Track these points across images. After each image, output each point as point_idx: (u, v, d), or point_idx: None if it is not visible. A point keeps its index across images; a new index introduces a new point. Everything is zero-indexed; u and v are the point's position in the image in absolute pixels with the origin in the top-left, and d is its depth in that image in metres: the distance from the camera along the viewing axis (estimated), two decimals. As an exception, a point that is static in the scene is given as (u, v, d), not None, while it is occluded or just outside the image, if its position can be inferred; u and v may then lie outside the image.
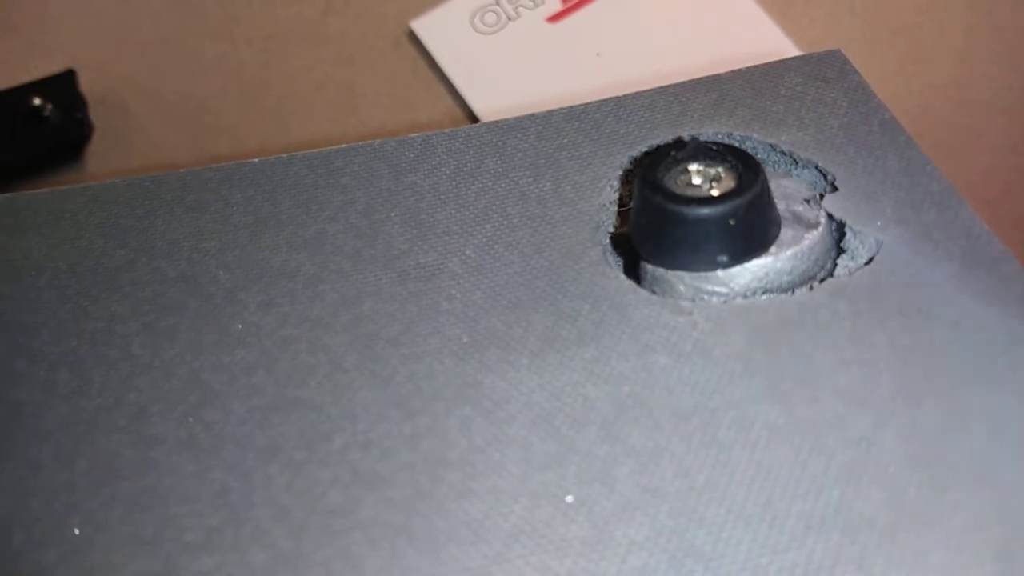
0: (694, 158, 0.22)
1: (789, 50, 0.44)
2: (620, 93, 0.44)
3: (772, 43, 0.45)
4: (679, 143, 0.22)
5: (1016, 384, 0.18)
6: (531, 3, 0.46)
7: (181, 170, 0.25)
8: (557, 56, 0.45)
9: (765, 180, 0.21)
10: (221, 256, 0.23)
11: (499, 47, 0.45)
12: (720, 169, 0.21)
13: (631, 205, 0.23)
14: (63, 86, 0.44)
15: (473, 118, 0.43)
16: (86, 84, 0.44)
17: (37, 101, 0.43)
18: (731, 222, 0.20)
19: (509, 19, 0.46)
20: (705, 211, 0.20)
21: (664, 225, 0.21)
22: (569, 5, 0.46)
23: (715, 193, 0.21)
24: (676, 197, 0.21)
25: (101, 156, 0.45)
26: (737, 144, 0.24)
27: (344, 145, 0.25)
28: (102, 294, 0.22)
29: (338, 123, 0.46)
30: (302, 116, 0.46)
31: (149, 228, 0.24)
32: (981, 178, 0.42)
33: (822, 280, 0.21)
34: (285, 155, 0.25)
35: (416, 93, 0.46)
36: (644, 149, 0.24)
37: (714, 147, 0.22)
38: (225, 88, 0.47)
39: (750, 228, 0.21)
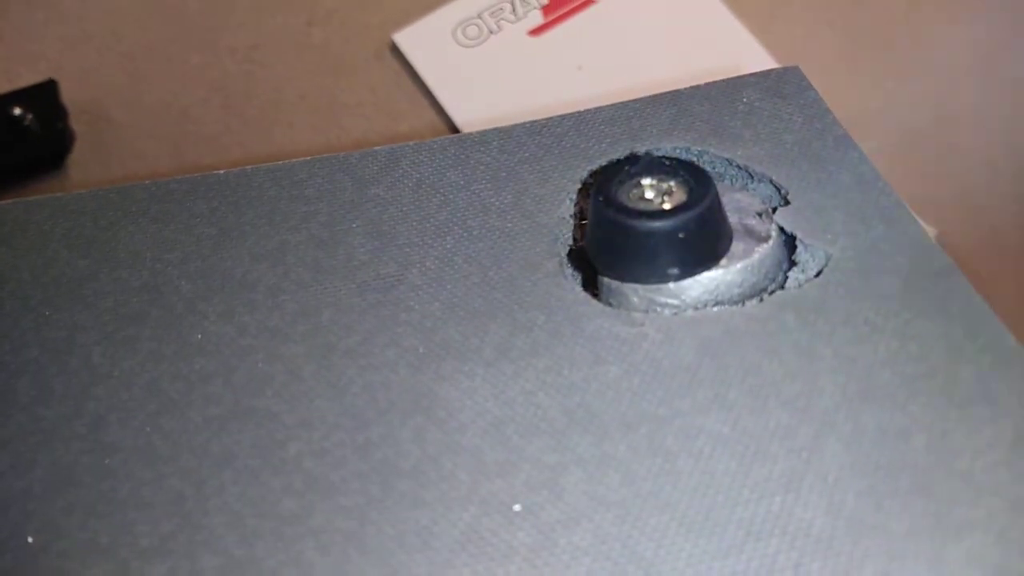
0: (647, 172, 0.22)
1: (769, 64, 0.45)
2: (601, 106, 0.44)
3: (752, 58, 0.45)
4: (633, 158, 0.22)
5: (954, 396, 0.19)
6: (513, 17, 0.47)
7: (147, 181, 0.25)
8: (539, 69, 0.46)
9: (716, 194, 0.21)
10: (183, 267, 0.23)
11: (481, 60, 0.46)
12: (672, 183, 0.22)
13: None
14: (44, 96, 0.44)
15: (455, 130, 0.44)
16: (69, 93, 0.45)
17: (18, 111, 0.43)
18: (681, 235, 0.21)
19: (491, 32, 0.46)
20: (655, 224, 0.21)
21: (616, 238, 0.21)
22: (551, 19, 0.47)
23: (666, 207, 0.21)
24: (627, 210, 0.21)
25: (83, 165, 0.45)
26: (694, 158, 0.24)
27: (308, 158, 0.26)
28: (64, 304, 0.23)
29: (320, 133, 0.46)
30: (285, 126, 0.46)
31: (113, 239, 0.24)
32: (958, 192, 0.42)
33: (772, 292, 0.22)
34: (250, 167, 0.26)
35: (398, 104, 0.46)
36: (603, 163, 0.24)
37: (667, 162, 0.22)
38: (208, 97, 0.47)
39: (700, 241, 0.21)
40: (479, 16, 0.47)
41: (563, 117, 0.26)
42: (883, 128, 0.45)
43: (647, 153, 0.23)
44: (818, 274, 0.22)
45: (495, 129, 0.26)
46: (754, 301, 0.22)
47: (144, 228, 0.24)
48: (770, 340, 0.20)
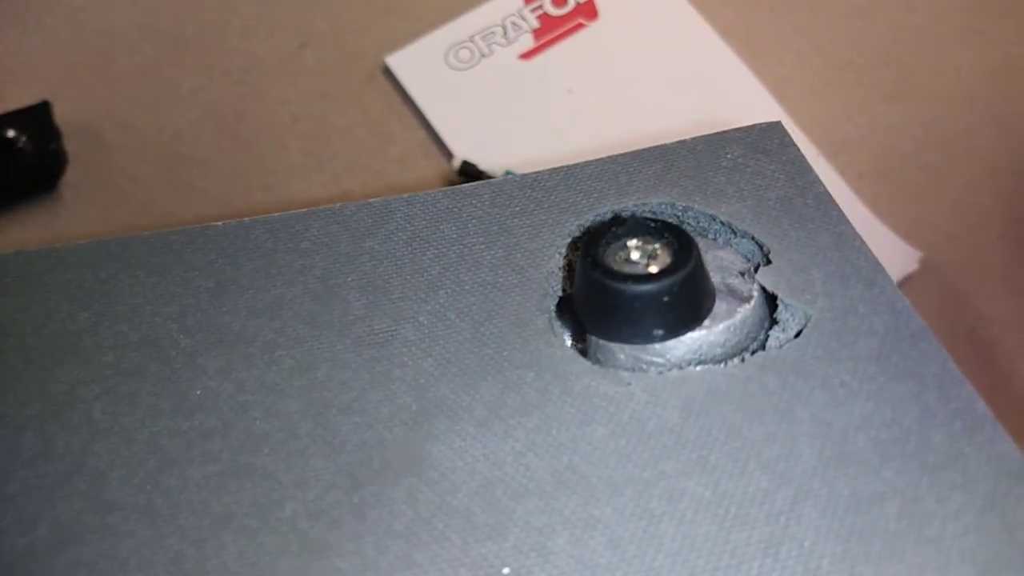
0: (633, 234, 0.23)
1: (756, 88, 0.46)
2: (591, 130, 0.45)
3: (740, 82, 0.46)
4: (619, 219, 0.23)
5: (926, 461, 0.20)
6: (504, 40, 0.47)
7: (145, 233, 0.26)
8: (529, 92, 0.47)
9: (699, 257, 0.22)
10: (182, 320, 0.24)
11: (473, 83, 0.46)
12: (657, 245, 0.22)
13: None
14: (38, 118, 0.44)
15: (447, 153, 0.45)
16: (62, 114, 0.45)
17: (11, 133, 0.43)
18: (665, 299, 0.22)
19: (483, 56, 0.47)
20: (640, 288, 0.21)
21: (603, 300, 0.22)
22: (541, 43, 0.47)
23: (652, 270, 0.22)
24: (614, 274, 0.22)
25: (76, 187, 0.45)
26: (679, 214, 0.25)
27: (304, 209, 0.26)
28: (66, 358, 0.23)
29: (312, 155, 0.47)
30: (277, 148, 0.47)
31: (112, 291, 0.25)
32: (944, 215, 0.43)
33: (754, 351, 0.22)
34: (247, 219, 0.26)
35: (390, 127, 0.47)
36: (592, 217, 0.25)
37: (652, 223, 0.23)
38: (201, 120, 0.47)
39: (683, 304, 0.22)
40: (471, 40, 0.48)
41: (553, 171, 0.26)
42: (869, 151, 0.45)
43: (632, 215, 0.24)
44: (798, 334, 0.22)
45: (486, 182, 0.27)
46: (736, 360, 0.22)
47: (143, 281, 0.25)
48: (751, 402, 0.21)
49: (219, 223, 0.26)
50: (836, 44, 0.49)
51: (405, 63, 0.47)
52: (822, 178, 0.41)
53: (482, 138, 0.45)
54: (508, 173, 0.42)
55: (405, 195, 0.26)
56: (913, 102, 0.47)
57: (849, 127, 0.47)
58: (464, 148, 0.45)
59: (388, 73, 0.48)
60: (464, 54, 0.48)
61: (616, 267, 0.22)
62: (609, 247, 0.23)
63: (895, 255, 0.42)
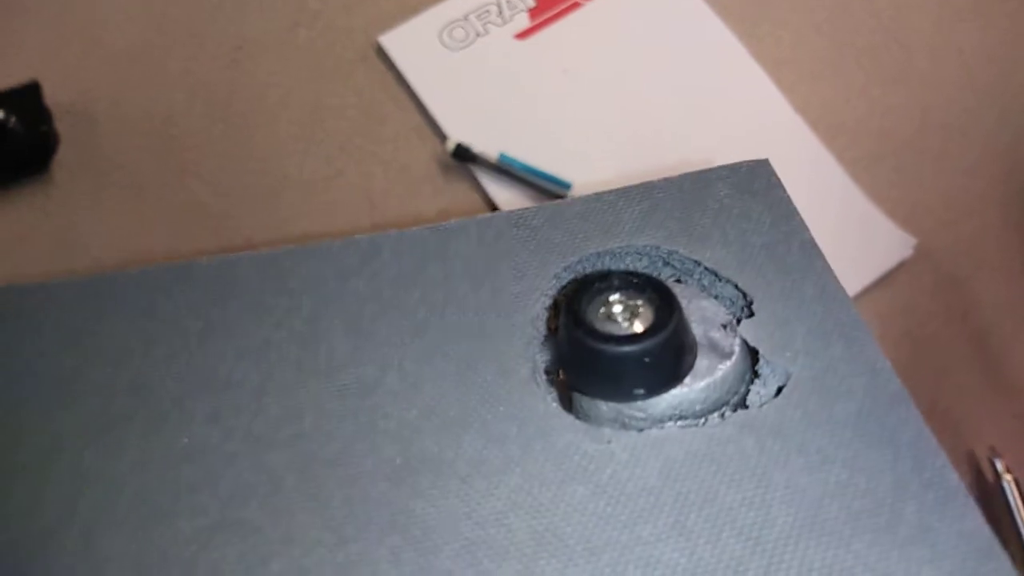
0: (617, 289, 0.23)
1: (753, 70, 0.45)
2: (586, 111, 0.44)
3: (736, 62, 0.45)
4: (603, 274, 0.23)
5: (898, 534, 0.20)
6: (500, 20, 0.47)
7: (133, 270, 0.26)
8: (524, 72, 0.46)
9: (680, 316, 0.22)
10: (170, 364, 0.24)
11: (467, 63, 0.46)
12: (640, 302, 0.23)
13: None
14: (28, 98, 0.44)
15: (440, 134, 0.44)
16: (52, 94, 0.45)
17: (1, 114, 0.43)
18: (646, 360, 0.22)
19: (477, 35, 0.46)
20: (621, 350, 0.22)
21: (585, 358, 0.22)
22: (537, 22, 0.47)
23: (635, 328, 0.22)
24: (596, 334, 0.22)
25: (68, 168, 0.45)
26: (664, 257, 0.25)
27: (293, 246, 0.26)
28: (55, 403, 0.24)
29: (303, 136, 0.46)
30: (267, 128, 0.46)
31: (101, 331, 0.25)
32: (940, 200, 0.43)
33: (735, 406, 0.23)
34: (233, 255, 0.26)
35: (383, 107, 0.46)
36: (578, 260, 0.25)
37: (635, 279, 0.23)
38: (192, 99, 0.47)
39: (664, 365, 0.22)
40: (465, 18, 0.47)
41: (539, 208, 0.26)
42: (867, 135, 0.45)
43: (612, 272, 0.24)
44: (778, 391, 0.23)
45: (474, 219, 0.26)
46: (716, 417, 0.23)
47: (131, 320, 0.25)
48: (729, 464, 0.22)
49: (204, 259, 0.26)
50: (835, 25, 0.48)
51: (398, 42, 0.47)
52: (819, 162, 0.41)
53: (476, 119, 0.45)
54: (503, 156, 0.42)
55: (392, 232, 0.26)
56: (913, 85, 0.46)
57: (847, 110, 0.46)
58: (458, 129, 0.44)
59: (381, 52, 0.47)
60: (458, 33, 0.47)
61: (598, 324, 0.22)
62: (592, 302, 0.23)
63: (890, 242, 0.41)
